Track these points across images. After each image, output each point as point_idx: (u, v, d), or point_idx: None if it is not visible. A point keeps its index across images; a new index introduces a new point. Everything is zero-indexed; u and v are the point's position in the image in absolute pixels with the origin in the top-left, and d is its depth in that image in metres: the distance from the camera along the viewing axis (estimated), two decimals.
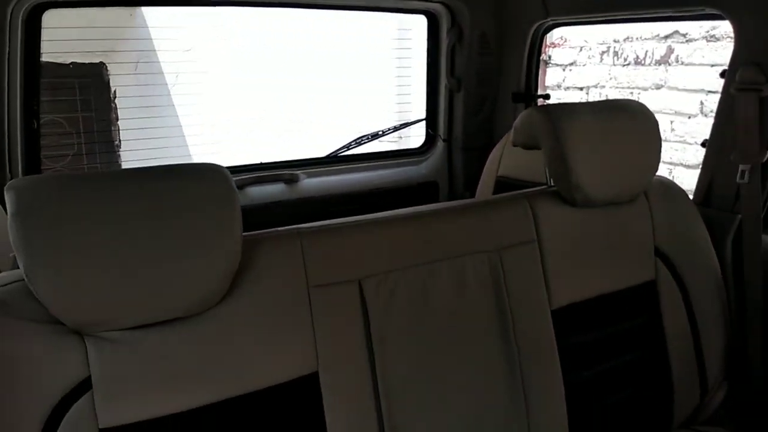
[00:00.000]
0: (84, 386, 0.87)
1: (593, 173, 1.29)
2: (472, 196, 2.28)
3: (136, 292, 0.87)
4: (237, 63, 4.22)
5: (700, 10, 1.55)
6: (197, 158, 3.93)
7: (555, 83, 3.60)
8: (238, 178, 2.00)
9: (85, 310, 0.85)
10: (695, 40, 2.83)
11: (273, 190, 2.08)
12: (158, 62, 4.10)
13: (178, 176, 0.93)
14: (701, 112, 2.81)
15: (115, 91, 3.83)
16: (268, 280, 0.99)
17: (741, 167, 1.42)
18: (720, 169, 1.52)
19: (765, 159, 1.41)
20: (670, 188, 1.48)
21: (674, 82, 2.94)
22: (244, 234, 0.99)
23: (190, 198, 0.91)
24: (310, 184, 2.17)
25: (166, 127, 4.09)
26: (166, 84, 4.11)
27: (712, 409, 1.44)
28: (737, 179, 1.43)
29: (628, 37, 3.19)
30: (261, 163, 2.13)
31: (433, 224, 1.19)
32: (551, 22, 2.03)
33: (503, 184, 2.07)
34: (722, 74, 1.52)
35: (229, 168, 2.07)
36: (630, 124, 1.36)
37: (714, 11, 1.49)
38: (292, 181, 2.10)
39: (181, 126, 4.19)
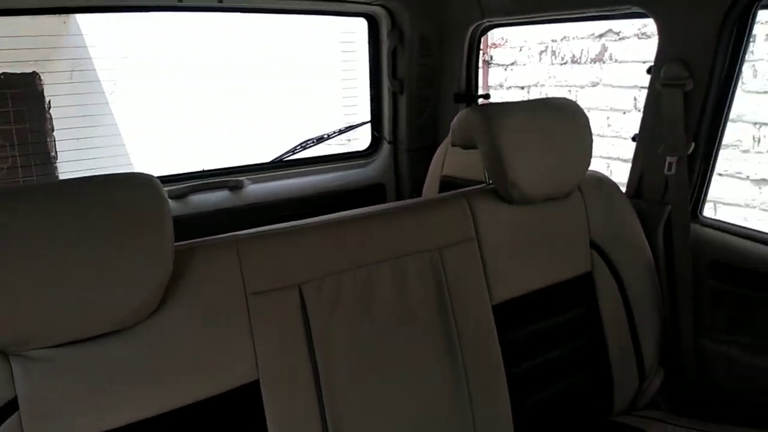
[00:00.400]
0: (10, 407, 0.83)
1: (528, 171, 1.33)
2: (419, 196, 2.30)
3: (62, 307, 0.83)
4: (177, 69, 4.13)
5: (627, 9, 1.61)
6: (139, 167, 3.83)
7: (497, 83, 3.67)
8: (180, 186, 1.96)
9: (8, 329, 0.82)
10: (628, 38, 2.94)
11: (217, 198, 2.04)
12: (94, 70, 3.97)
13: (105, 187, 0.90)
14: (635, 107, 2.93)
15: (49, 102, 3.69)
16: (203, 289, 0.97)
17: (668, 160, 1.48)
18: (649, 163, 1.58)
19: (690, 151, 1.47)
20: (603, 182, 1.53)
21: (609, 79, 3.05)
22: (178, 243, 0.97)
23: (118, 209, 0.88)
24: (256, 189, 2.14)
25: (106, 136, 3.97)
26: (104, 92, 3.99)
27: (650, 395, 1.50)
28: (665, 171, 1.49)
29: (564, 37, 3.28)
30: (204, 171, 2.10)
31: (373, 226, 1.20)
32: (487, 23, 2.07)
33: (448, 184, 2.10)
34: (649, 71, 1.58)
35: (170, 176, 2.06)
36: (562, 122, 1.40)
37: (639, 10, 1.55)
38: (236, 187, 2.07)
39: (120, 135, 4.07)
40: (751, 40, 2.59)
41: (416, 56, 2.22)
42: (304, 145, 2.32)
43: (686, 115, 1.47)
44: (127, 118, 4.07)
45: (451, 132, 1.48)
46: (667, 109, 1.48)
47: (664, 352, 1.52)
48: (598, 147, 3.19)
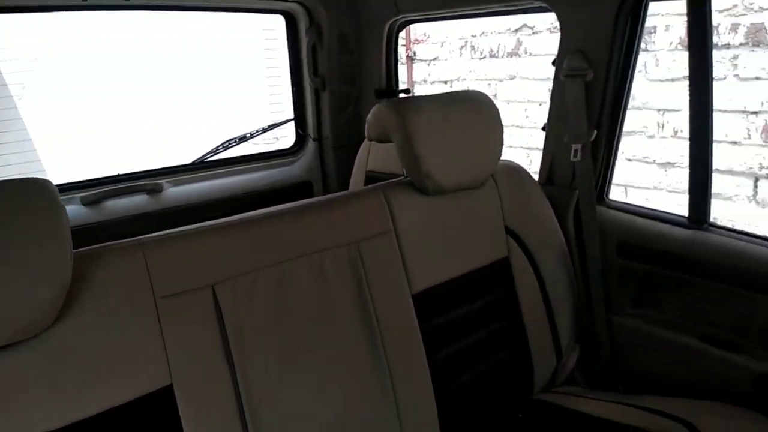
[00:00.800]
0: None
1: (442, 162, 1.36)
2: None
3: None
4: (96, 70, 3.96)
5: (530, 3, 1.68)
6: (52, 174, 3.65)
7: (422, 78, 3.73)
8: (93, 191, 1.89)
9: None
10: (541, 32, 3.05)
11: (135, 203, 1.98)
12: (0, 73, 3.75)
13: None
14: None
15: None
16: (108, 295, 0.94)
17: (574, 147, 1.56)
18: (558, 150, 1.65)
19: (593, 138, 1.55)
20: (516, 171, 1.59)
21: (525, 72, 3.16)
22: (79, 250, 0.95)
23: (10, 216, 0.85)
24: (176, 192, 2.09)
25: (16, 142, 3.76)
26: (11, 96, 3.77)
27: (567, 371, 1.57)
28: (571, 158, 1.56)
29: (483, 32, 3.37)
30: (119, 175, 2.02)
31: (288, 223, 1.20)
32: (403, 19, 2.10)
33: (373, 179, 2.12)
34: (553, 63, 1.65)
35: (83, 181, 1.98)
36: (473, 114, 1.44)
37: (541, 4, 1.62)
38: (154, 191, 2.01)
39: (30, 140, 3.86)
40: (652, 31, 2.75)
41: (336, 53, 2.23)
42: (226, 145, 2.29)
43: (588, 104, 1.54)
44: (39, 122, 3.87)
45: (366, 127, 1.50)
46: (571, 98, 1.55)
47: (579, 330, 1.60)
48: (518, 137, 3.32)
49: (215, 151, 2.27)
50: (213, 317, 1.03)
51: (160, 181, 2.04)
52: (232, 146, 2.31)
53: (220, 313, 1.04)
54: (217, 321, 1.04)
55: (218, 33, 4.34)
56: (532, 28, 3.11)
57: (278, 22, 2.36)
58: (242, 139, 2.35)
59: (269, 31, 4.35)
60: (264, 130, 2.44)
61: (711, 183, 1.47)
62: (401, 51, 3.84)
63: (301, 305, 1.14)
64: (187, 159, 2.24)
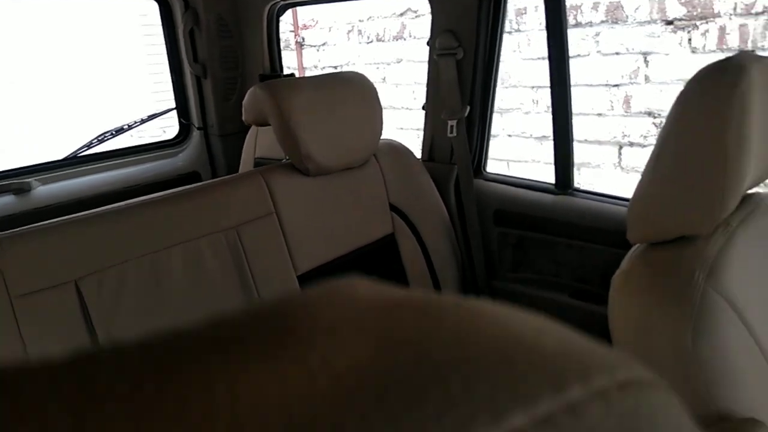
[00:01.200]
0: None
1: (321, 143, 1.37)
2: None
3: None
4: None
5: None
6: None
7: (312, 64, 3.70)
8: None
9: None
10: (424, 15, 3.13)
11: (0, 204, 1.84)
12: None
13: None
14: None
15: None
16: None
17: (450, 123, 1.62)
18: (437, 128, 1.72)
19: (466, 114, 1.62)
20: (397, 149, 1.63)
21: (411, 55, 3.23)
22: None
23: None
24: (48, 190, 1.96)
25: None
26: None
27: None
28: (448, 134, 1.63)
29: (370, 17, 3.40)
30: None
31: (161, 211, 1.16)
32: (282, 3, 2.08)
33: (262, 165, 2.09)
34: (428, 43, 1.70)
35: None
36: (351, 95, 1.46)
37: None
38: (22, 190, 1.88)
39: None
40: (523, 12, 2.90)
41: (215, 38, 2.17)
42: (101, 138, 2.17)
43: (460, 82, 1.61)
44: None
45: (243, 110, 1.48)
46: (444, 76, 1.61)
47: (465, 297, 1.68)
48: (407, 119, 3.40)
49: (89, 145, 2.14)
50: (78, 314, 0.99)
51: (27, 180, 1.90)
52: (108, 139, 2.20)
53: (86, 309, 1.00)
54: (83, 317, 0.99)
55: (93, 21, 4.07)
56: (415, 11, 3.18)
57: (153, 6, 2.26)
58: (119, 131, 2.24)
59: (145, 17, 4.14)
60: (143, 121, 2.34)
61: (573, 152, 1.58)
62: (290, 37, 3.79)
63: (178, 294, 1.12)
64: (59, 155, 2.10)
